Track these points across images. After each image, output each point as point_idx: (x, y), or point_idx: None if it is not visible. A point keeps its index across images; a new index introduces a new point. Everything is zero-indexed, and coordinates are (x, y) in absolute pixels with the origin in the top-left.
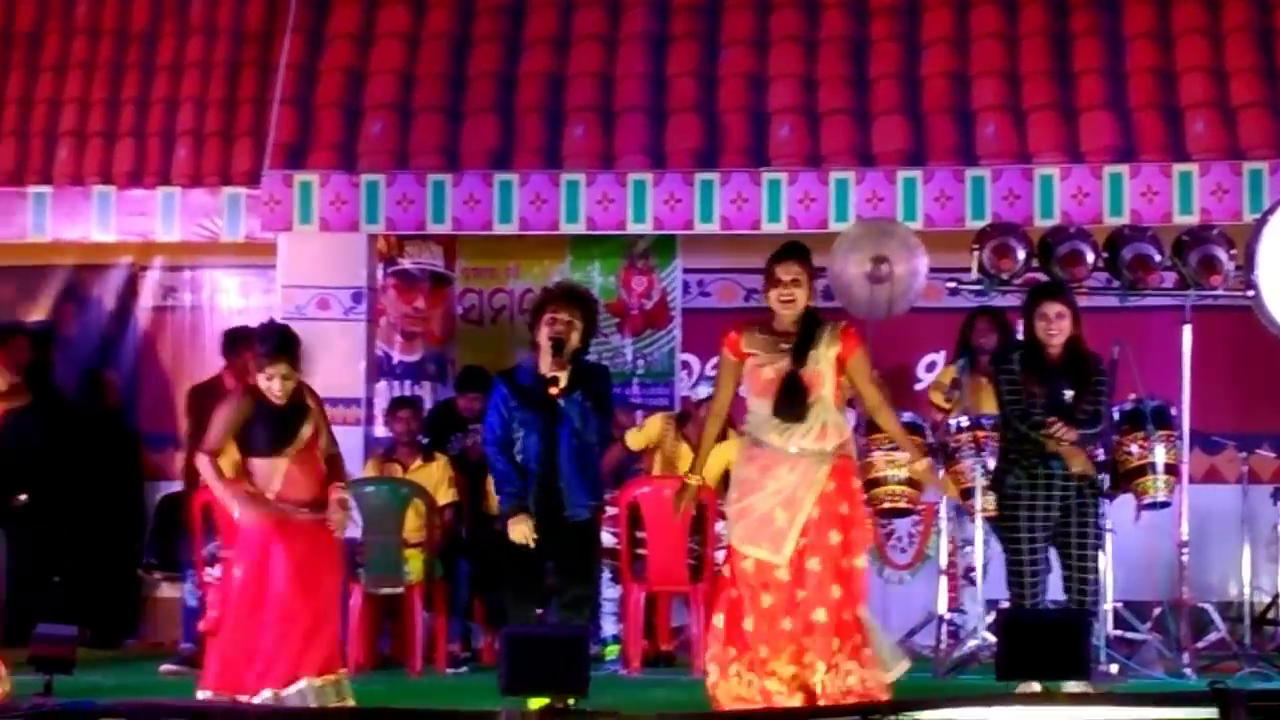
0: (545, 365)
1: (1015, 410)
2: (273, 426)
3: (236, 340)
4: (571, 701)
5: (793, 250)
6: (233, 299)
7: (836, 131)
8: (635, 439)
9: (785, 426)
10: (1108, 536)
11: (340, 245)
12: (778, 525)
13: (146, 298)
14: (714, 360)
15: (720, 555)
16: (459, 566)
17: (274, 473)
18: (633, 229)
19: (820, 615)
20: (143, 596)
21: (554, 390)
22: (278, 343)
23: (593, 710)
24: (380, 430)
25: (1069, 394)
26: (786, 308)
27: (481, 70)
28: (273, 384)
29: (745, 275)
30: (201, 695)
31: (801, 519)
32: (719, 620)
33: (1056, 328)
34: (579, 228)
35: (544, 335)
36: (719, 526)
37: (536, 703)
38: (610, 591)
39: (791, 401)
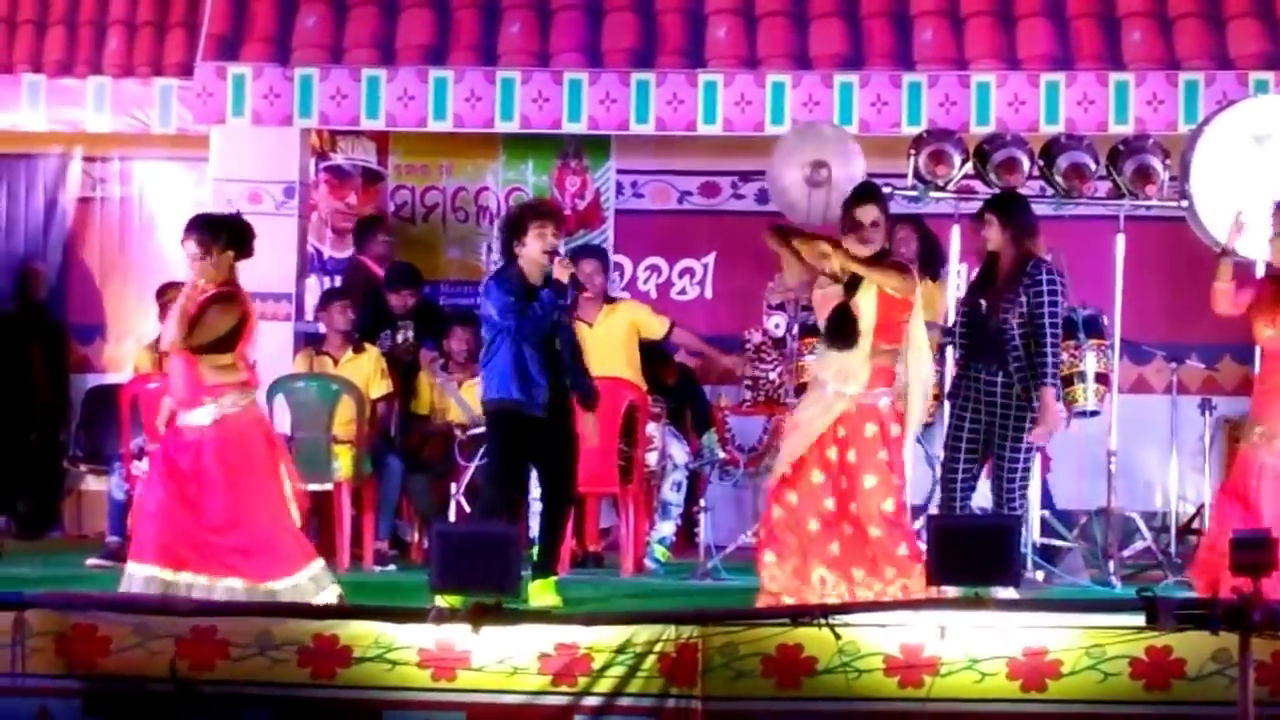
0: (536, 276)
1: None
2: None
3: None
4: (501, 600)
5: (872, 193)
6: (163, 191)
7: (774, 34)
8: None
9: (839, 369)
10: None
11: (273, 139)
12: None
13: (75, 189)
14: (647, 261)
15: (652, 457)
16: (388, 464)
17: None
18: (567, 128)
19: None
20: (68, 489)
21: (568, 296)
22: (190, 222)
23: (522, 609)
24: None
25: (983, 302)
26: (867, 251)
27: None
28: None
29: (679, 177)
30: (135, 568)
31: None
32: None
33: (985, 235)
34: (513, 126)
35: (536, 249)
36: (649, 428)
37: (466, 600)
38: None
39: (841, 329)
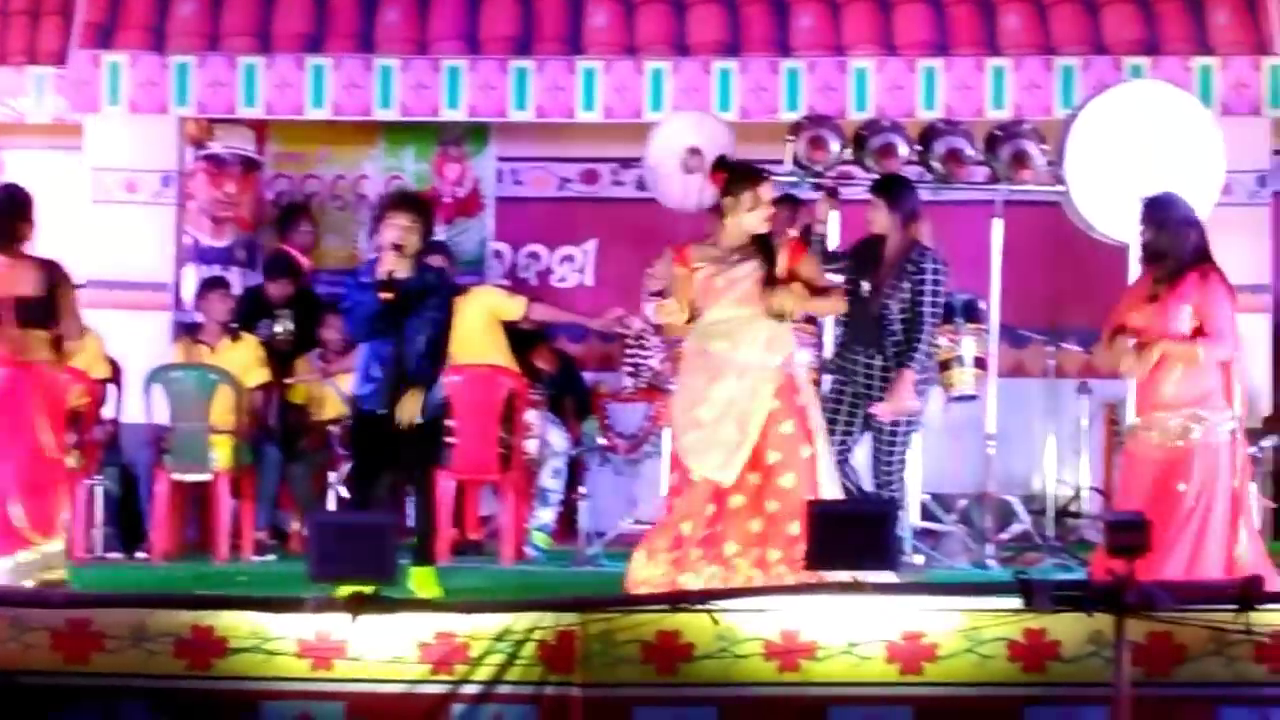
0: (382, 268)
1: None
2: None
3: None
4: (380, 589)
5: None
6: (38, 181)
7: (652, 20)
8: None
9: (734, 333)
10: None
11: (149, 128)
12: (725, 444)
13: None
14: (527, 248)
15: (532, 444)
16: (266, 453)
17: None
18: (446, 115)
19: (755, 525)
20: None
21: (387, 295)
22: None
23: (401, 598)
24: (195, 317)
25: (865, 286)
26: (765, 228)
27: None
28: None
29: (559, 164)
30: None
31: (751, 440)
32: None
33: (870, 218)
34: (392, 114)
35: (386, 240)
36: (529, 415)
37: (344, 590)
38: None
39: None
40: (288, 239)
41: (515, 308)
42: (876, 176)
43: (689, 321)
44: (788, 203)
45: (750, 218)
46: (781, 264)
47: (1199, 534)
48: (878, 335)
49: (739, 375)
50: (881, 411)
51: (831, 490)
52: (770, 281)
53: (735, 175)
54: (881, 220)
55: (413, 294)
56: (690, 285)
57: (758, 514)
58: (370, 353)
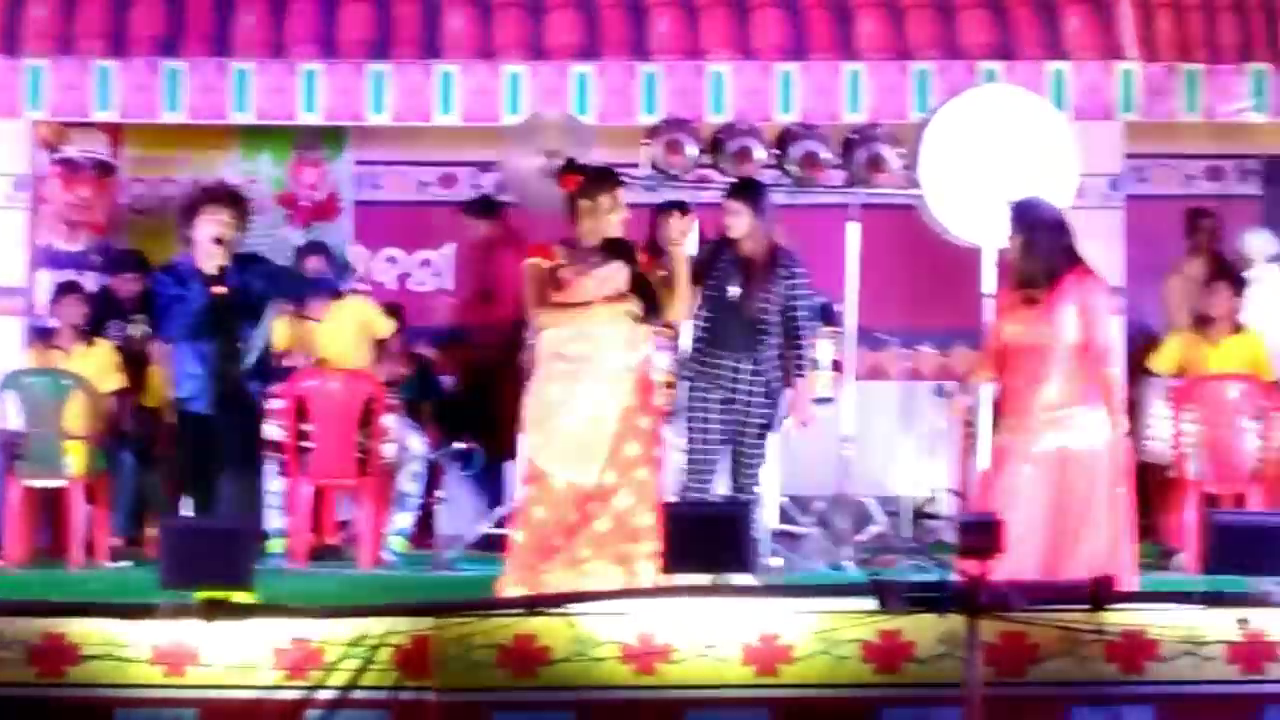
0: (207, 263)
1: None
2: None
3: None
4: (234, 595)
5: (603, 176)
6: None
7: (509, 24)
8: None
9: (594, 334)
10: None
11: (1, 131)
12: (587, 445)
13: None
14: (386, 252)
15: (389, 449)
16: (121, 459)
17: None
18: (303, 119)
19: (604, 524)
20: None
21: (219, 290)
22: None
23: (255, 603)
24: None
25: (734, 290)
26: (621, 231)
27: None
28: None
29: (417, 168)
30: None
31: (608, 438)
32: (519, 536)
33: (730, 223)
34: (249, 117)
35: (206, 235)
36: (384, 419)
37: (198, 595)
38: (276, 485)
39: (648, 298)
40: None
41: (385, 328)
42: (733, 180)
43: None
44: (678, 208)
45: (611, 220)
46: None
47: (1075, 535)
48: (750, 340)
49: (598, 378)
50: (800, 420)
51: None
52: (637, 282)
53: (591, 179)
54: (743, 224)
55: (247, 289)
56: (547, 280)
57: (608, 510)
58: (191, 352)
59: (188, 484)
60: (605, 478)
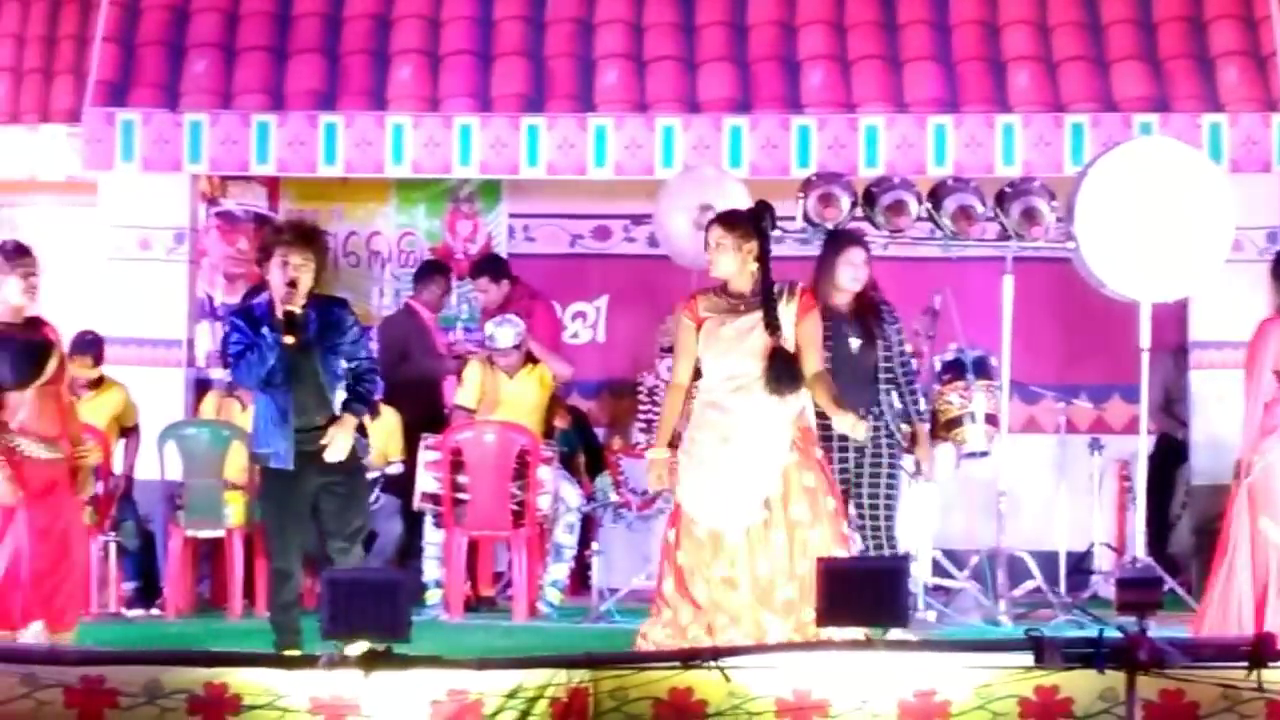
0: (281, 308)
1: None
2: (16, 357)
3: None
4: (392, 646)
5: (721, 215)
6: (52, 238)
7: (664, 78)
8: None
9: (743, 388)
10: (933, 485)
11: (162, 185)
12: (738, 497)
13: None
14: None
15: (545, 501)
16: None
17: (19, 405)
18: (458, 172)
19: (789, 590)
20: None
21: (290, 339)
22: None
23: (413, 655)
24: (210, 374)
25: (855, 343)
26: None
27: (307, 9)
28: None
29: (571, 220)
30: None
31: (763, 491)
32: (669, 585)
33: (859, 278)
34: (404, 171)
35: (277, 279)
36: (540, 471)
37: (357, 647)
38: (433, 536)
39: (787, 373)
40: (417, 294)
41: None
42: (886, 233)
43: (695, 377)
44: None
45: (748, 262)
46: (789, 311)
47: None
48: (873, 392)
49: (752, 429)
50: (927, 472)
51: (853, 543)
52: (770, 327)
53: (722, 219)
54: (866, 275)
55: (322, 332)
56: (694, 339)
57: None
58: (265, 404)
59: (273, 546)
60: (773, 536)
